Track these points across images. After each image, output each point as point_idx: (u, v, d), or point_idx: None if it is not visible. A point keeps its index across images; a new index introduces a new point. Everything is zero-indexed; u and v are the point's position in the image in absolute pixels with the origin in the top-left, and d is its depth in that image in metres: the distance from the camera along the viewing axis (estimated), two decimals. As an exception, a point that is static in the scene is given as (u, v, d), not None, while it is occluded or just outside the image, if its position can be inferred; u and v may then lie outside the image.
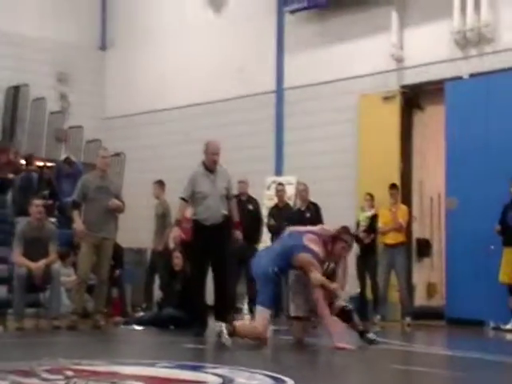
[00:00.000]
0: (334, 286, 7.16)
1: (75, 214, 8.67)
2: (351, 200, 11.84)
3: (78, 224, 8.58)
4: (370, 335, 7.37)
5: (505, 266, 9.75)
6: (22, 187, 11.14)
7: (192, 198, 8.04)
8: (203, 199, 7.96)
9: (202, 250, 7.90)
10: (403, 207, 10.81)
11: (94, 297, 8.89)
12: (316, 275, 6.99)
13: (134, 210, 12.71)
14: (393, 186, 10.76)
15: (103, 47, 16.14)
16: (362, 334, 7.38)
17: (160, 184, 11.47)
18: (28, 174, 11.63)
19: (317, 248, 7.12)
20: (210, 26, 14.31)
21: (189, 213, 8.29)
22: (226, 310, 8.12)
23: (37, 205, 8.87)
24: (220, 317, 7.94)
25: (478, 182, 10.63)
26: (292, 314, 7.37)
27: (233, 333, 6.90)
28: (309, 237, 7.18)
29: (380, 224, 10.73)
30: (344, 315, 7.36)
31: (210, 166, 8.09)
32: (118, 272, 10.21)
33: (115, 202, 8.73)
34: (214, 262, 7.95)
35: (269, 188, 12.64)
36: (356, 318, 7.51)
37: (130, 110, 15.11)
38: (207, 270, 7.99)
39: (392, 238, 10.53)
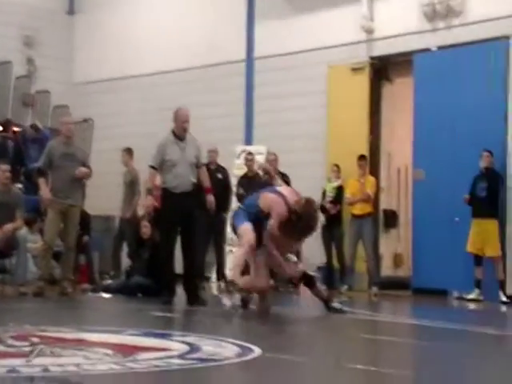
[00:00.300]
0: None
1: (41, 182, 8.51)
2: (320, 171, 11.82)
3: (45, 192, 8.43)
4: (335, 304, 7.35)
5: (472, 237, 9.84)
6: None
7: (161, 165, 7.93)
8: (172, 167, 7.85)
9: (171, 217, 7.82)
10: (371, 178, 10.84)
11: (61, 264, 8.79)
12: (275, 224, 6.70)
13: (102, 177, 12.56)
14: (361, 157, 10.78)
15: (71, 11, 15.79)
16: (327, 303, 7.36)
17: (128, 151, 11.32)
18: (3, 141, 11.37)
19: (289, 195, 6.86)
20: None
21: (158, 181, 8.18)
22: (194, 277, 8.06)
23: (3, 170, 8.68)
24: (188, 285, 7.90)
25: (445, 154, 10.68)
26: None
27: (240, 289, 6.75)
28: (282, 188, 7.09)
29: (347, 194, 10.75)
30: (306, 280, 7.29)
31: (180, 134, 7.97)
32: (85, 239, 10.09)
33: (82, 169, 8.58)
34: (183, 230, 7.88)
35: (238, 157, 12.55)
36: (321, 286, 7.48)
37: (98, 76, 14.84)
38: (176, 238, 7.92)
39: (360, 209, 10.58)
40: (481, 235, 9.78)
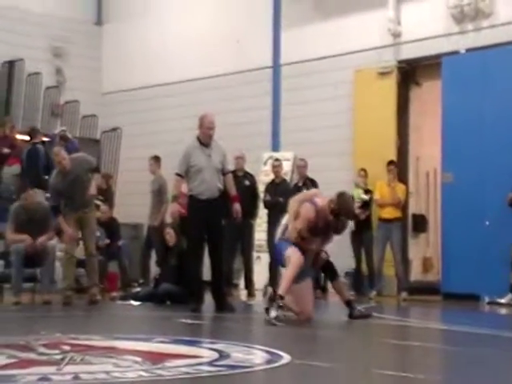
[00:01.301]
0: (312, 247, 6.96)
1: (61, 220, 8.48)
2: (347, 175, 11.78)
3: (66, 229, 8.45)
4: (359, 309, 7.21)
5: None
6: (30, 161, 10.99)
7: (187, 172, 7.92)
8: (198, 173, 7.83)
9: (197, 225, 7.81)
10: (402, 186, 10.85)
11: (87, 271, 8.83)
12: (297, 225, 6.79)
13: (131, 185, 12.71)
14: (391, 163, 10.74)
15: (99, 22, 15.99)
16: (350, 305, 7.21)
17: (156, 159, 11.38)
18: (34, 147, 11.52)
19: (322, 203, 6.90)
20: (207, 0, 14.15)
21: (185, 188, 8.21)
22: (221, 284, 8.07)
23: (32, 193, 8.87)
24: (216, 292, 7.90)
25: (474, 158, 10.58)
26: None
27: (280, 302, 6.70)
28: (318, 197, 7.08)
29: (377, 196, 10.71)
30: (329, 270, 7.25)
31: (205, 140, 7.96)
32: (117, 244, 10.14)
33: (93, 189, 8.57)
34: (210, 237, 7.87)
35: (265, 163, 12.57)
36: (346, 289, 7.42)
37: (126, 85, 14.99)
38: (203, 245, 7.93)
39: (389, 213, 10.54)
40: None
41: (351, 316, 7.13)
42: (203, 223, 7.78)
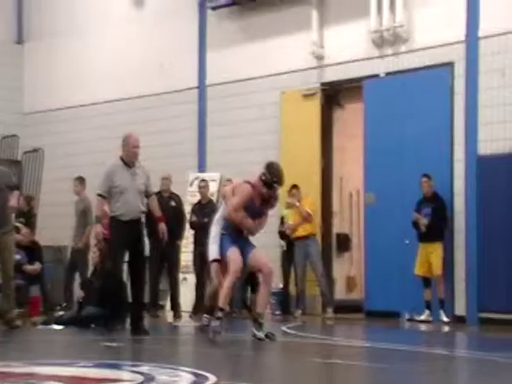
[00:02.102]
0: (249, 223, 7.29)
1: None
2: (273, 196, 11.87)
3: None
4: (260, 334, 7.20)
5: (420, 260, 10.06)
6: None
7: (109, 193, 7.81)
8: (121, 194, 7.74)
9: (120, 246, 7.72)
10: (308, 199, 11.07)
11: (4, 295, 8.50)
12: (233, 200, 7.23)
13: (54, 207, 12.45)
14: (293, 187, 10.93)
15: (20, 41, 15.67)
16: (257, 322, 7.28)
17: (80, 180, 11.23)
18: None
19: (253, 180, 7.45)
20: (132, 21, 14.09)
21: (107, 209, 8.11)
22: (140, 308, 7.96)
23: None
24: (133, 315, 7.78)
25: (394, 179, 10.85)
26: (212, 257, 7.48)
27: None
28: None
29: (290, 222, 10.91)
30: (253, 279, 7.56)
31: (130, 160, 7.86)
32: (37, 269, 9.89)
33: (15, 201, 8.31)
34: (132, 260, 7.79)
35: (192, 184, 12.55)
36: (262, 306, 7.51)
37: (49, 105, 14.72)
38: (124, 266, 7.86)
39: (303, 230, 10.76)
40: (426, 257, 9.99)
41: (254, 335, 7.20)
42: (125, 244, 7.69)
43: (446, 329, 9.42)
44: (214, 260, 7.48)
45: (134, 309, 7.82)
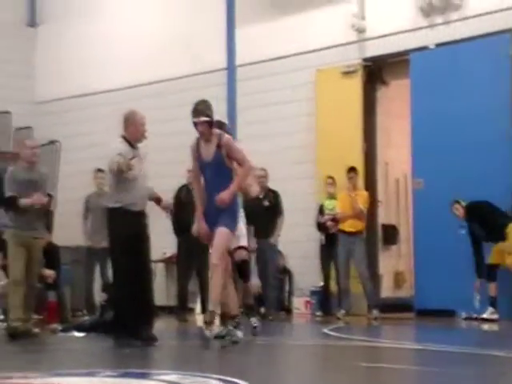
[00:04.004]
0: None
1: (23, 202, 8.18)
2: (310, 185, 11.89)
3: (35, 200, 8.23)
4: (253, 320, 7.41)
5: (495, 249, 9.90)
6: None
7: (114, 180, 7.35)
8: (131, 180, 7.28)
9: (130, 241, 7.24)
10: (363, 193, 10.90)
11: (23, 302, 8.65)
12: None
13: (71, 203, 12.55)
14: (351, 170, 10.82)
15: (33, 23, 15.84)
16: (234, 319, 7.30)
17: (102, 173, 11.30)
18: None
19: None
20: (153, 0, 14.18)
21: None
22: (151, 308, 7.66)
23: None
24: (143, 320, 7.45)
25: (446, 161, 10.76)
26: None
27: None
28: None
29: (338, 210, 10.80)
30: (242, 268, 7.49)
31: (138, 139, 7.43)
32: (52, 273, 10.03)
33: (41, 198, 8.42)
34: (139, 255, 7.33)
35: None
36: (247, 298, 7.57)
37: (63, 93, 14.87)
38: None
39: (351, 226, 10.63)
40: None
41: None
42: (135, 239, 7.28)
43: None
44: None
45: (141, 312, 7.44)
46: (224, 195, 6.89)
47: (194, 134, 12.67)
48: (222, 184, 6.96)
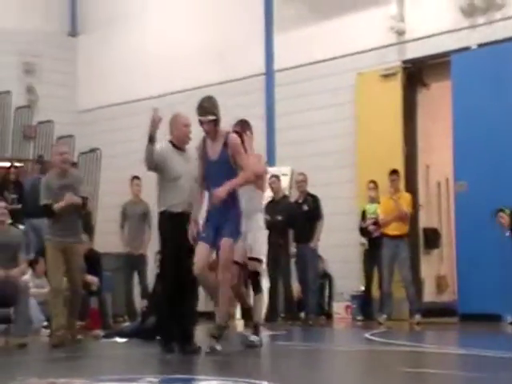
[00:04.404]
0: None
1: (60, 205, 8.22)
2: (351, 189, 11.80)
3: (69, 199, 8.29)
4: (253, 337, 7.18)
5: None
6: (34, 192, 10.57)
7: (160, 181, 7.26)
8: (175, 181, 7.18)
9: (174, 244, 7.11)
10: (406, 195, 10.79)
11: (68, 309, 8.72)
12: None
13: (111, 210, 12.62)
14: (393, 172, 10.72)
15: (73, 33, 16.04)
16: (255, 329, 7.23)
17: (138, 180, 11.37)
18: (39, 177, 11.12)
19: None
20: (190, 7, 14.24)
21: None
22: (193, 314, 7.51)
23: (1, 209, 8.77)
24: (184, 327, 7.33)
25: (489, 164, 10.61)
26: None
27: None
28: None
29: (381, 214, 10.70)
30: (254, 279, 7.31)
31: (184, 142, 7.32)
32: (96, 280, 10.11)
33: (72, 197, 8.42)
34: (181, 261, 7.14)
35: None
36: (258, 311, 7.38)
37: (104, 102, 15.01)
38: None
39: (395, 229, 10.51)
40: None
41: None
42: (177, 242, 7.11)
43: None
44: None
45: (181, 323, 7.28)
46: (219, 192, 6.74)
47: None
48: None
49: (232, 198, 6.88)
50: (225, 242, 6.80)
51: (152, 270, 10.22)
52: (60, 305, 8.46)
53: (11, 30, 14.70)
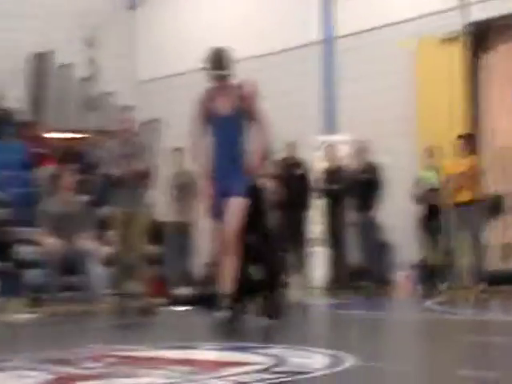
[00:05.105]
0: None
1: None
2: (411, 157, 11.57)
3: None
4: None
5: None
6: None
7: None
8: None
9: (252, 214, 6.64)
10: (472, 158, 10.43)
11: (133, 277, 8.78)
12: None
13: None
14: (462, 137, 10.40)
15: (133, 6, 16.09)
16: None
17: (180, 151, 11.20)
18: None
19: None
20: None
21: None
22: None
23: (68, 175, 8.87)
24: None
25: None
26: None
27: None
28: None
29: (450, 179, 10.35)
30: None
31: None
32: (157, 249, 10.15)
33: (137, 165, 8.38)
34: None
35: (319, 149, 12.44)
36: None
37: (165, 72, 15.02)
38: None
39: (466, 195, 10.20)
40: None
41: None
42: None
43: None
44: None
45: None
46: (256, 165, 6.37)
47: (293, 109, 12.77)
48: (238, 140, 6.35)
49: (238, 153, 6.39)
50: (236, 200, 6.27)
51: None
52: (127, 273, 8.53)
53: (73, 4, 14.76)
